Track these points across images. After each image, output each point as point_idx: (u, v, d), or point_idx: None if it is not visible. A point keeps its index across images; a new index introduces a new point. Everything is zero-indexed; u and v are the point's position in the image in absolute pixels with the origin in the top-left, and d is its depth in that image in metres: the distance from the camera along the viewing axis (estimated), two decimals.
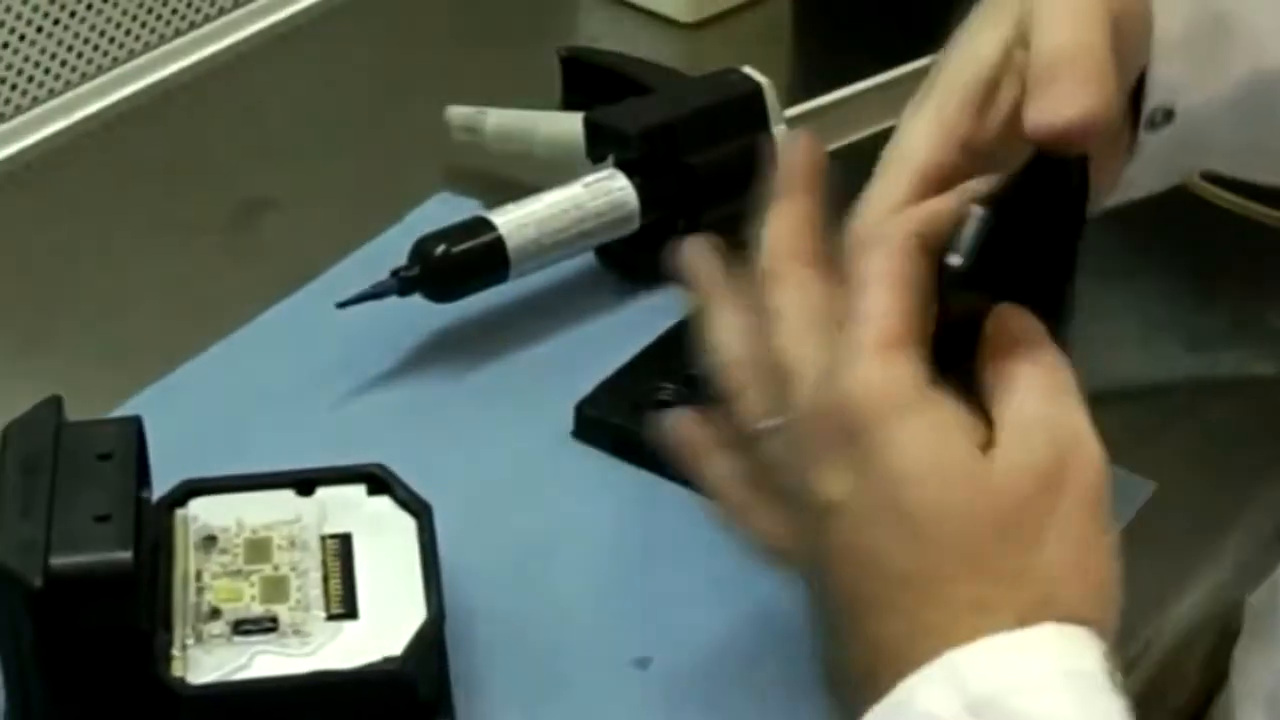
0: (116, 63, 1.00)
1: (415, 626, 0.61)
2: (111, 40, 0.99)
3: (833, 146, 0.88)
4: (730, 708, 0.66)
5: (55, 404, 0.63)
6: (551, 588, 0.70)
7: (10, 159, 0.95)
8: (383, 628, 0.62)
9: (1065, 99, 0.56)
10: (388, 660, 0.60)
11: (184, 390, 0.79)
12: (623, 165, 0.82)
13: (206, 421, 0.76)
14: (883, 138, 0.62)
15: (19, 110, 0.96)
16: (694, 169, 0.81)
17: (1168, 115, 0.64)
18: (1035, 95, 0.56)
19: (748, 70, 0.85)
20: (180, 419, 0.74)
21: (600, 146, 0.83)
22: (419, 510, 0.66)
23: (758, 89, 0.84)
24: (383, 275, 0.78)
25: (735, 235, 0.84)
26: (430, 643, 0.62)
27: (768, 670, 0.66)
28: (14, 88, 0.96)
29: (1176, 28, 0.63)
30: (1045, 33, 0.58)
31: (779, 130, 0.84)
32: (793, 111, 0.86)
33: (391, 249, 0.81)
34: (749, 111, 0.84)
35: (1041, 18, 0.58)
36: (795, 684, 0.64)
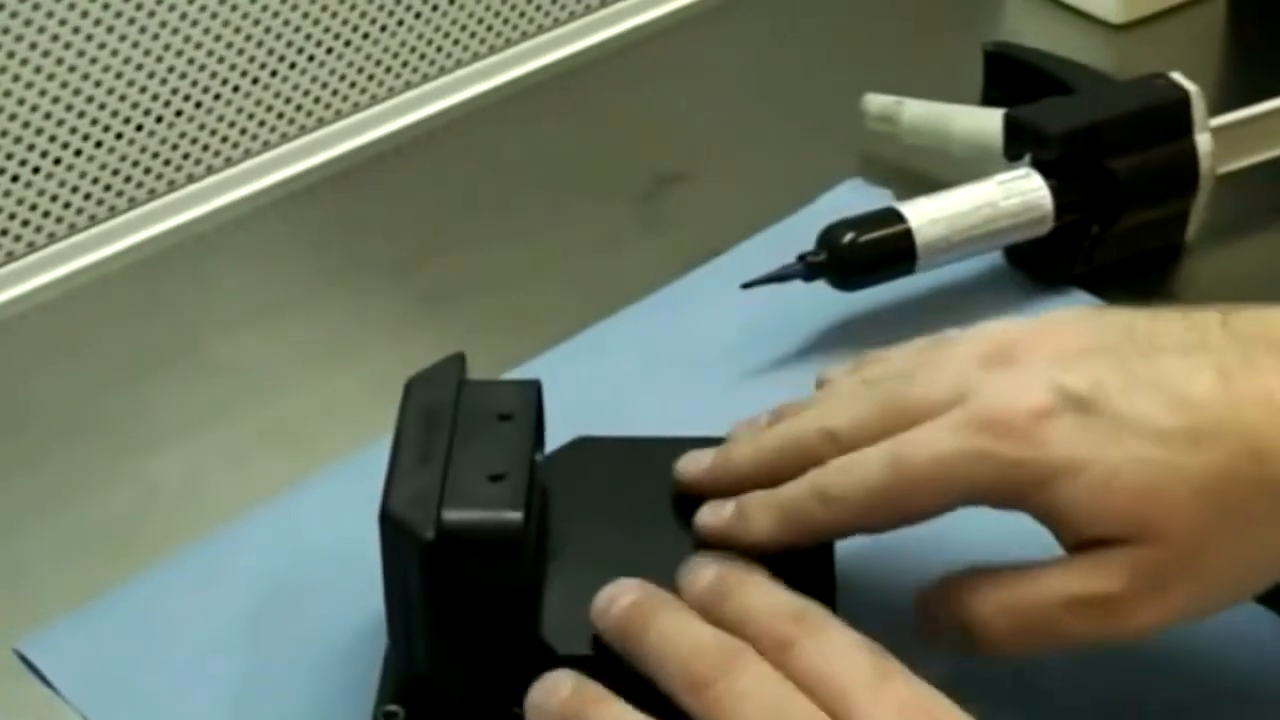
0: (542, 30, 1.01)
1: None
2: (538, 8, 1.01)
3: (1259, 159, 0.85)
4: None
5: (459, 361, 0.64)
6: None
7: (428, 120, 0.97)
8: None
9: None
10: None
11: (581, 357, 0.79)
12: (1039, 165, 0.80)
13: (601, 389, 0.77)
14: None
15: (443, 71, 0.98)
16: (1115, 174, 0.79)
17: None
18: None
19: (1176, 76, 0.83)
20: (575, 384, 0.74)
21: (1018, 145, 0.82)
22: None
23: (1184, 96, 0.82)
24: (787, 257, 0.78)
25: (1148, 243, 0.82)
26: None
27: (1143, 689, 0.65)
28: (439, 50, 0.98)
29: None
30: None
31: (1203, 139, 0.81)
32: (1219, 121, 0.83)
33: (798, 232, 0.81)
34: (1174, 119, 0.82)
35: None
36: None
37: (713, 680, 0.54)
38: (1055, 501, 0.56)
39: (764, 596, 0.58)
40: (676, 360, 0.79)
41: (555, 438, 0.66)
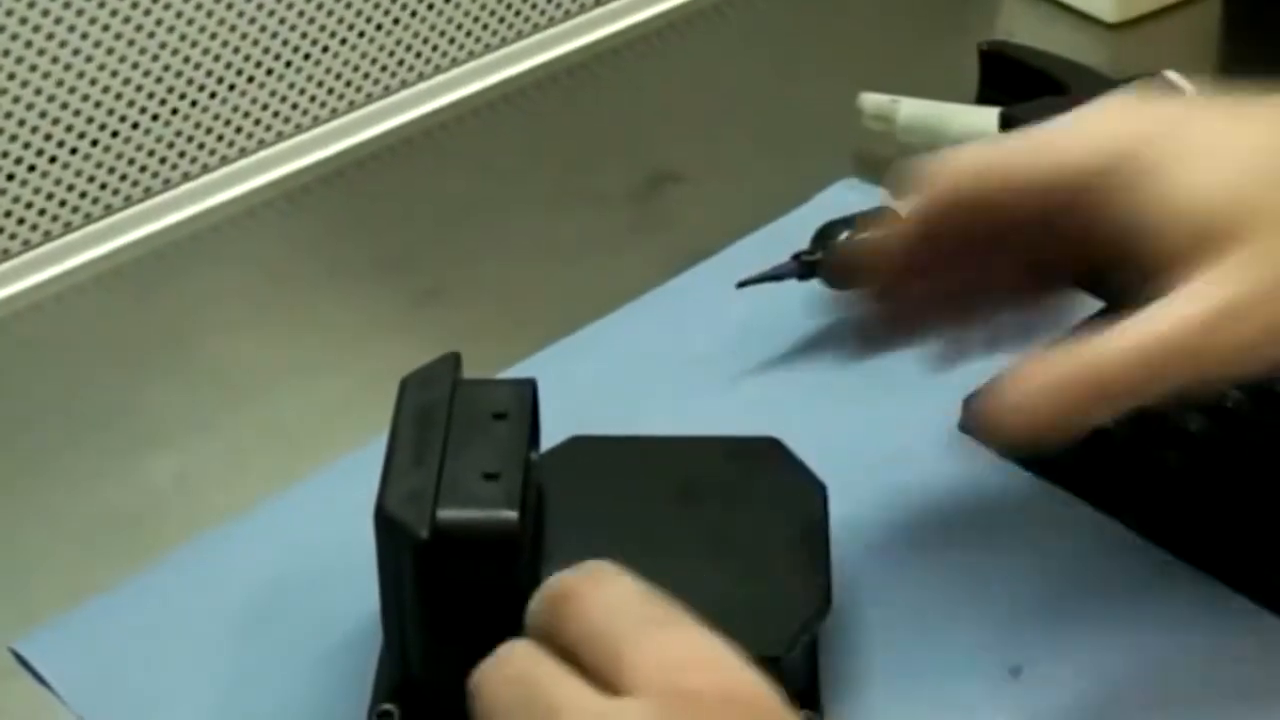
0: (537, 29, 1.01)
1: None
2: (533, 7, 1.01)
3: None
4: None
5: (453, 360, 0.64)
6: (926, 587, 0.69)
7: (422, 119, 0.97)
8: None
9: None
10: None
11: (576, 356, 0.79)
12: None
13: (596, 388, 0.77)
14: None
15: (437, 70, 0.98)
16: None
17: None
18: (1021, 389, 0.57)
19: (1170, 75, 0.83)
20: (570, 383, 0.74)
21: None
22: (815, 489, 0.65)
23: (1180, 95, 0.82)
24: (781, 256, 0.78)
25: None
26: (814, 635, 0.62)
27: (1138, 690, 0.65)
28: (434, 49, 0.98)
29: None
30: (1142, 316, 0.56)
31: None
32: None
33: (792, 231, 0.81)
34: None
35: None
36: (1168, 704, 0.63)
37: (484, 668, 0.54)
38: (1158, 196, 0.58)
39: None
40: (672, 359, 0.79)
41: (550, 436, 0.66)
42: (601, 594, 0.54)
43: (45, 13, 0.84)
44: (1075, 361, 0.57)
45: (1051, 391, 0.57)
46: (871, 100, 0.92)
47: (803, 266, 0.78)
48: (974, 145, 0.63)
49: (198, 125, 0.91)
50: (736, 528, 0.64)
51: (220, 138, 0.92)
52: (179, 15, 0.88)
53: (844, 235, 0.77)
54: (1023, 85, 0.89)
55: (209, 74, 0.91)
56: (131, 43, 0.87)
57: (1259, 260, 0.56)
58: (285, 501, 0.73)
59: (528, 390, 0.63)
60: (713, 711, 0.50)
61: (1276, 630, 0.66)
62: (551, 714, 0.51)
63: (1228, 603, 0.67)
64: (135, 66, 0.88)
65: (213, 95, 0.91)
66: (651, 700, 0.50)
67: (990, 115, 0.84)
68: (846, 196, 0.86)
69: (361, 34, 0.95)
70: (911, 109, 0.90)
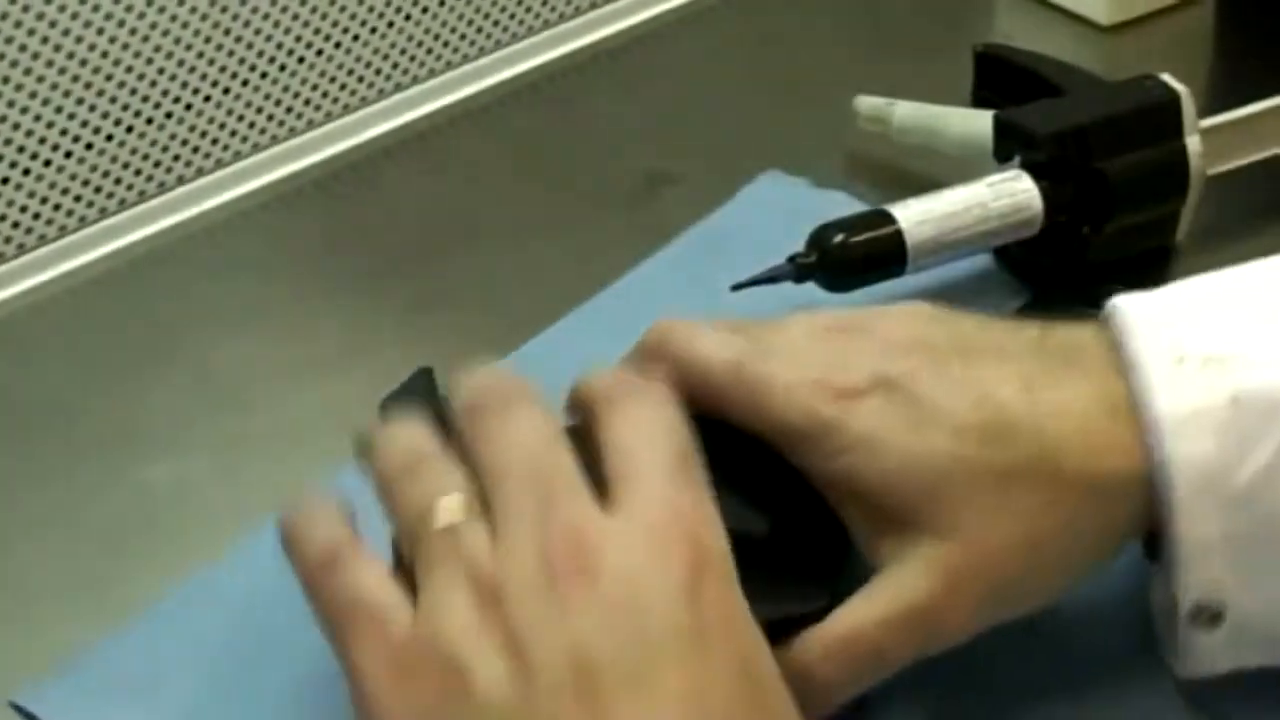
0: (531, 33, 1.01)
1: None
2: (527, 10, 1.01)
3: (1249, 160, 0.85)
4: (1120, 665, 0.64)
5: (427, 375, 0.64)
6: None
7: (416, 122, 0.97)
8: None
9: None
10: None
11: (560, 347, 0.79)
12: (1029, 166, 0.80)
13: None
14: None
15: (431, 74, 0.98)
16: (1105, 175, 0.80)
17: (1214, 618, 0.59)
18: None
19: (1165, 77, 0.83)
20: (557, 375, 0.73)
21: (1008, 146, 0.82)
22: None
23: (1174, 97, 0.82)
24: (719, 251, 0.78)
25: (1139, 245, 0.83)
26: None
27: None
28: (428, 52, 0.98)
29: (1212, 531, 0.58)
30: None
31: (1193, 141, 0.81)
32: (1208, 122, 0.83)
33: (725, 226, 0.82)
34: (1164, 120, 0.82)
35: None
36: None
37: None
38: (854, 473, 0.59)
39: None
40: None
41: None
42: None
43: (40, 15, 0.84)
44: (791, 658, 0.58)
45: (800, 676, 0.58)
46: (867, 103, 0.92)
47: (798, 269, 0.78)
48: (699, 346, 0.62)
49: (190, 130, 0.91)
50: None
51: (213, 142, 0.92)
52: (170, 21, 0.88)
53: (839, 238, 0.77)
54: (1017, 87, 0.89)
55: (202, 78, 0.90)
56: (126, 46, 0.87)
57: (937, 560, 0.58)
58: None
59: None
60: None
61: None
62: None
63: None
64: (127, 72, 0.88)
65: (207, 99, 0.91)
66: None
67: (985, 117, 0.84)
68: (771, 191, 0.86)
69: (357, 38, 0.95)
70: (906, 111, 0.90)
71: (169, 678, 0.66)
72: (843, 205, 0.83)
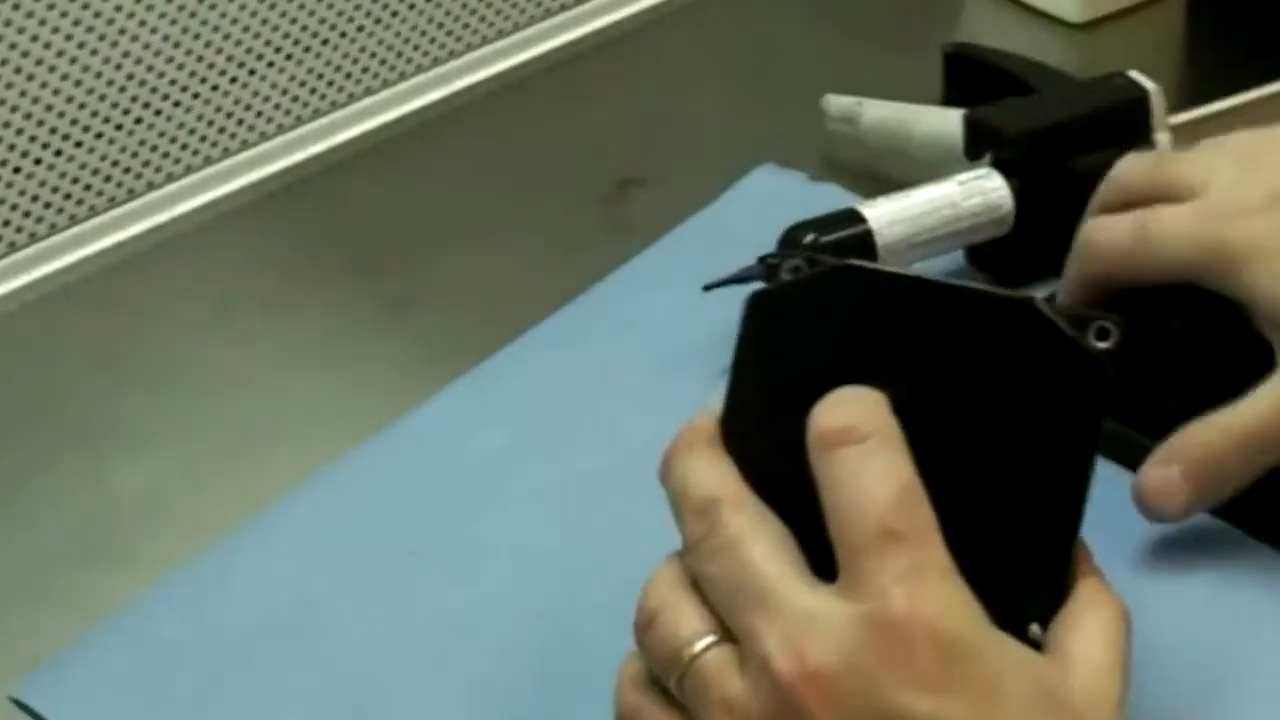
0: (503, 34, 1.01)
1: None
2: (499, 12, 1.01)
3: None
4: None
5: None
6: None
7: (392, 124, 0.98)
8: None
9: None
10: None
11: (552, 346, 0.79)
12: (1000, 165, 0.81)
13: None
14: None
15: (404, 77, 0.98)
16: (1076, 173, 0.80)
17: None
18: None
19: (1135, 75, 0.83)
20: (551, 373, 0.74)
21: (978, 145, 0.82)
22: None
23: (1144, 95, 0.82)
24: (715, 244, 0.78)
25: None
26: None
27: None
28: (400, 56, 0.98)
29: None
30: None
31: (1162, 138, 0.82)
32: (1179, 119, 0.84)
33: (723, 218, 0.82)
34: (1134, 117, 0.82)
35: None
36: None
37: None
38: (1253, 282, 0.63)
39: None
40: (634, 368, 0.78)
41: (535, 431, 0.66)
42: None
43: (7, 23, 0.84)
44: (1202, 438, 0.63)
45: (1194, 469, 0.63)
46: (836, 102, 0.92)
47: (768, 269, 0.77)
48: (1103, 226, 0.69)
49: (170, 130, 0.91)
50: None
51: (192, 142, 0.92)
52: (140, 27, 0.88)
53: (810, 237, 0.77)
54: (987, 86, 0.89)
55: (190, 75, 0.91)
56: (115, 44, 0.87)
57: None
58: (279, 517, 0.71)
59: None
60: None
61: None
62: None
63: None
64: (100, 75, 0.88)
65: (177, 104, 0.91)
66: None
67: (955, 117, 0.84)
68: (767, 182, 0.86)
69: (341, 36, 0.95)
70: (876, 111, 0.90)
71: (167, 665, 0.66)
72: (837, 198, 0.83)
